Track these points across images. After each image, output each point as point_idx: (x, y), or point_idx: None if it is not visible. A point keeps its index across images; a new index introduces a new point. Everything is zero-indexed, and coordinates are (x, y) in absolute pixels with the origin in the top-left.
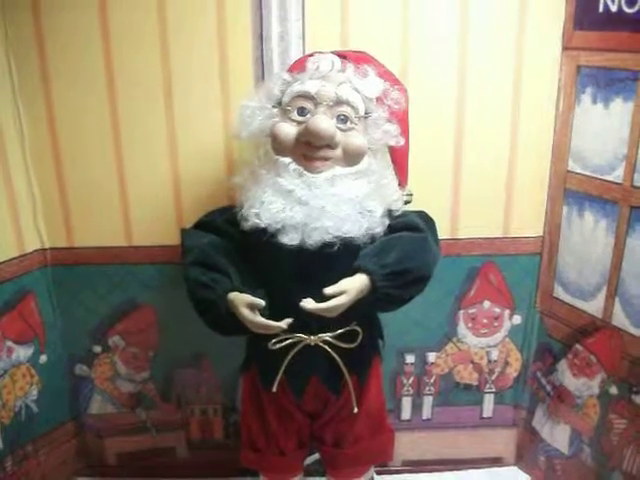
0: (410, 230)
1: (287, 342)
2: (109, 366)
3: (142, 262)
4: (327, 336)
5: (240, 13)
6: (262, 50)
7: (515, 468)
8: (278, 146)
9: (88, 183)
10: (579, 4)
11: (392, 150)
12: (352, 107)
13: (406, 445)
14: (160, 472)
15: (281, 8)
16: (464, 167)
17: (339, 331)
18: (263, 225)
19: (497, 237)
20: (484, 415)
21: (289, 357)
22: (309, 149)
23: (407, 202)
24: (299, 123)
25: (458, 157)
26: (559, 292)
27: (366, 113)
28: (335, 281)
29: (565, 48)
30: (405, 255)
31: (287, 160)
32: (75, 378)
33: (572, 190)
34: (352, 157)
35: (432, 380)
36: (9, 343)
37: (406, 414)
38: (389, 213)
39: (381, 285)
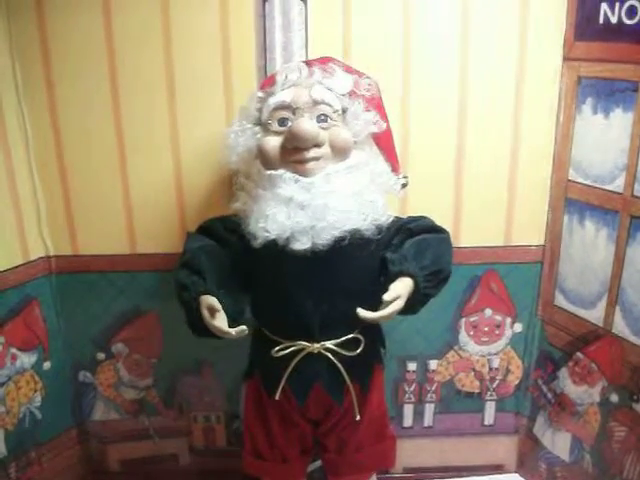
0: (432, 232)
1: (290, 350)
2: (112, 373)
3: (146, 270)
4: (330, 344)
5: (243, 22)
6: (265, 59)
7: (516, 475)
8: (267, 160)
9: (92, 190)
10: (580, 15)
11: (377, 139)
12: (329, 105)
13: (407, 452)
14: (163, 479)
15: (284, 17)
16: (465, 176)
17: (342, 339)
18: (273, 237)
19: (498, 246)
20: (485, 422)
21: (292, 365)
22: (298, 154)
23: (404, 185)
24: (282, 133)
25: (459, 166)
26: (560, 300)
27: (343, 109)
28: (346, 282)
29: (566, 59)
30: (438, 256)
31: (280, 171)
32: (79, 385)
33: (573, 199)
34: (340, 151)
35: (433, 388)
36: (13, 350)
37: (408, 421)
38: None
39: (423, 286)
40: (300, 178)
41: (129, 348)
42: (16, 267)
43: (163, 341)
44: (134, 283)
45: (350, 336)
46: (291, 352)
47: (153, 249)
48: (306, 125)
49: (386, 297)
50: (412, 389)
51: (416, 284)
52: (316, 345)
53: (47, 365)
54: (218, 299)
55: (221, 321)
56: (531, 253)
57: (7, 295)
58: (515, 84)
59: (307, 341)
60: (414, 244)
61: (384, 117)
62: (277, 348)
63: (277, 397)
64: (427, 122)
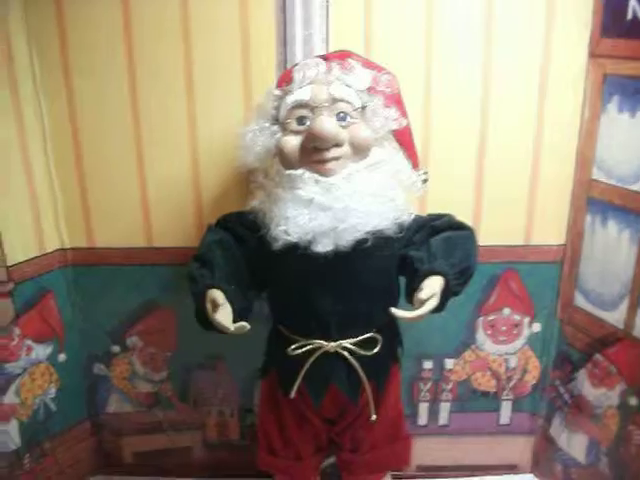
0: (457, 229)
1: (306, 348)
2: (127, 366)
3: (162, 263)
4: (347, 343)
5: (263, 16)
6: (285, 53)
7: (531, 476)
8: (286, 160)
9: (109, 182)
10: (607, 12)
11: (397, 135)
12: (348, 102)
13: (422, 450)
14: (176, 472)
15: (305, 11)
16: (486, 174)
17: (359, 338)
18: (294, 240)
19: (518, 245)
20: (501, 422)
21: (308, 363)
22: (318, 154)
23: (425, 181)
24: (301, 132)
25: (480, 164)
26: (580, 301)
27: (362, 105)
28: (365, 282)
29: (592, 56)
30: (467, 253)
31: (300, 171)
32: (93, 377)
33: (595, 199)
34: (361, 150)
35: (449, 386)
36: (28, 342)
37: (422, 420)
38: (419, 217)
39: (454, 284)
40: (320, 178)
41: (144, 341)
42: (32, 259)
43: (178, 335)
44: (149, 277)
45: (367, 335)
46: (307, 351)
47: (169, 243)
48: (326, 125)
49: (422, 296)
50: (428, 387)
51: (446, 282)
52: (333, 344)
53: (62, 357)
54: (226, 293)
55: (222, 315)
56: (551, 253)
57: (23, 287)
58: (539, 81)
59: (324, 340)
60: (442, 241)
61: (404, 113)
62: (293, 346)
63: (292, 395)
64: (448, 118)
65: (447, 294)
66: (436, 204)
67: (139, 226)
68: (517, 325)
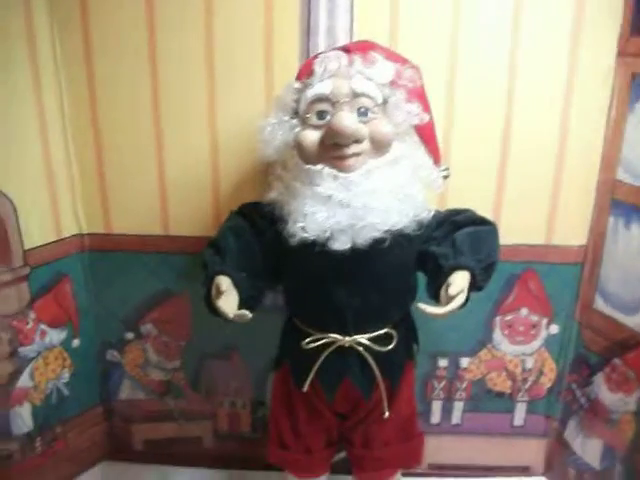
0: (479, 224)
1: (320, 342)
2: (140, 353)
3: (178, 252)
4: (362, 338)
5: (287, 4)
6: (308, 44)
7: (543, 478)
8: (305, 155)
9: (127, 170)
10: (636, 9)
11: (419, 129)
12: (369, 97)
13: (433, 449)
14: (186, 461)
15: (329, 0)
16: (509, 171)
17: (374, 333)
18: (312, 238)
19: (539, 244)
20: (515, 424)
21: (322, 357)
22: (337, 150)
23: (445, 177)
24: (321, 127)
25: (503, 161)
26: (599, 304)
27: (384, 100)
28: (382, 278)
29: (620, 54)
30: (491, 248)
31: (319, 167)
32: (106, 363)
33: (620, 200)
34: (381, 146)
35: (464, 385)
36: (43, 326)
37: (435, 418)
38: (438, 212)
39: (479, 280)
40: (339, 174)
41: (158, 329)
42: (49, 244)
43: (192, 324)
44: (165, 264)
45: (383, 331)
46: (322, 345)
47: (186, 231)
48: (346, 121)
49: (452, 292)
50: (442, 386)
51: (473, 278)
52: (348, 339)
53: (76, 342)
54: (234, 280)
55: (224, 302)
56: (572, 253)
57: (39, 271)
58: (566, 78)
59: (339, 334)
60: (467, 236)
61: (427, 108)
62: (307, 340)
63: (305, 389)
64: (472, 112)
65: (471, 290)
66: (456, 200)
67: (156, 214)
68: (535, 326)
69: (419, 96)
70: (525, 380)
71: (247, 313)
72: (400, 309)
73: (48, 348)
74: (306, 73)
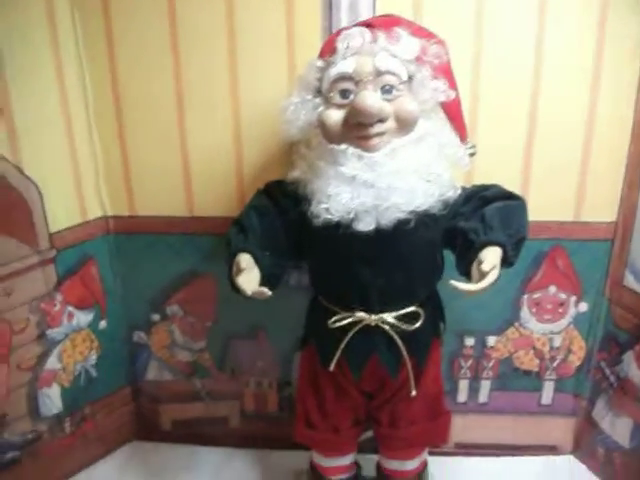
0: (508, 198)
1: (347, 321)
2: (167, 334)
3: (202, 232)
4: (388, 317)
5: None
6: (330, 20)
7: (571, 457)
8: (329, 134)
9: (150, 151)
10: None
11: (445, 106)
12: (394, 75)
13: (460, 428)
14: (213, 440)
15: None
16: (536, 147)
17: (401, 312)
18: (336, 219)
19: (567, 221)
20: (543, 402)
21: (348, 336)
22: (361, 129)
23: (472, 154)
24: (344, 106)
25: (531, 136)
26: (630, 281)
27: (409, 76)
28: (408, 256)
29: None
30: (521, 223)
31: (343, 146)
32: (133, 345)
33: None
34: (406, 125)
35: (491, 364)
36: (70, 308)
37: (462, 397)
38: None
39: (511, 255)
40: (364, 154)
41: (184, 310)
42: (75, 226)
43: (218, 305)
44: (190, 246)
45: (409, 309)
46: (348, 323)
47: (210, 212)
48: (370, 100)
49: (485, 268)
50: (469, 364)
51: (504, 253)
52: (374, 317)
53: (103, 324)
54: (256, 258)
55: (243, 278)
56: (602, 230)
57: (65, 254)
58: (595, 48)
59: (365, 313)
60: (496, 211)
61: (453, 84)
62: (334, 319)
63: (332, 368)
64: (498, 85)
65: (502, 266)
66: (483, 176)
67: (180, 195)
68: (563, 304)
69: (445, 72)
70: (553, 358)
71: (266, 290)
72: (426, 287)
73: (76, 330)
74: (329, 51)
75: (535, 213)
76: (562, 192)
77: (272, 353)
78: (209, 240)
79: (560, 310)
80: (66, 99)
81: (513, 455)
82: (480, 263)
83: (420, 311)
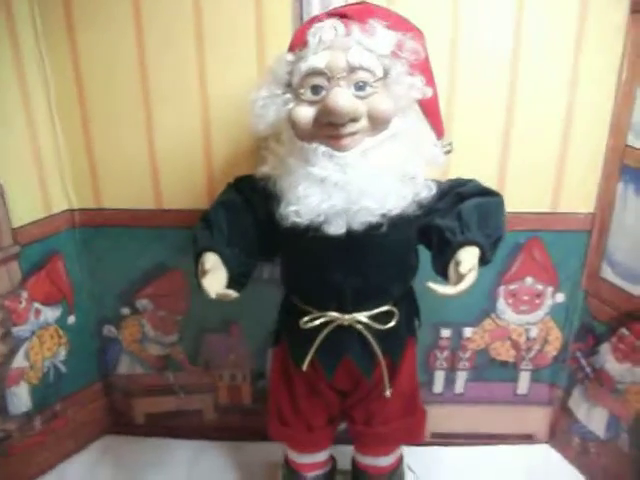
0: (485, 195)
1: (319, 321)
2: (137, 328)
3: (172, 226)
4: (361, 316)
5: None
6: (301, 6)
7: (547, 446)
8: (299, 132)
9: (116, 142)
10: None
11: (421, 102)
12: (368, 71)
13: (436, 417)
14: (187, 433)
15: None
16: (513, 136)
17: (374, 311)
18: (305, 222)
19: (545, 212)
20: (518, 392)
21: (321, 337)
22: (333, 129)
23: (448, 152)
24: (316, 103)
25: (508, 124)
26: (607, 273)
27: (384, 71)
28: (380, 256)
29: (633, 11)
30: (499, 221)
31: (313, 145)
32: (103, 339)
33: (629, 166)
34: (380, 124)
35: (467, 355)
36: (37, 305)
37: (438, 388)
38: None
39: (489, 255)
40: (335, 153)
41: (154, 304)
42: (39, 221)
43: (189, 298)
44: (159, 239)
45: (384, 309)
46: (321, 323)
47: (178, 205)
48: (342, 100)
49: (463, 270)
50: (444, 356)
51: (482, 253)
52: (347, 317)
53: (71, 319)
54: (223, 257)
55: (208, 281)
56: (579, 221)
57: (30, 249)
58: (574, 36)
59: (338, 312)
60: (474, 209)
61: (430, 80)
62: (306, 319)
63: (305, 369)
64: (475, 74)
65: (480, 264)
66: (459, 166)
67: (148, 187)
68: (539, 295)
69: (422, 68)
70: (529, 349)
71: (230, 293)
72: (401, 286)
73: (43, 327)
74: (299, 43)
75: (512, 204)
76: (539, 183)
77: (245, 346)
78: (178, 233)
79: (537, 301)
80: (26, 92)
81: (489, 444)
82: (458, 264)
83: (394, 310)
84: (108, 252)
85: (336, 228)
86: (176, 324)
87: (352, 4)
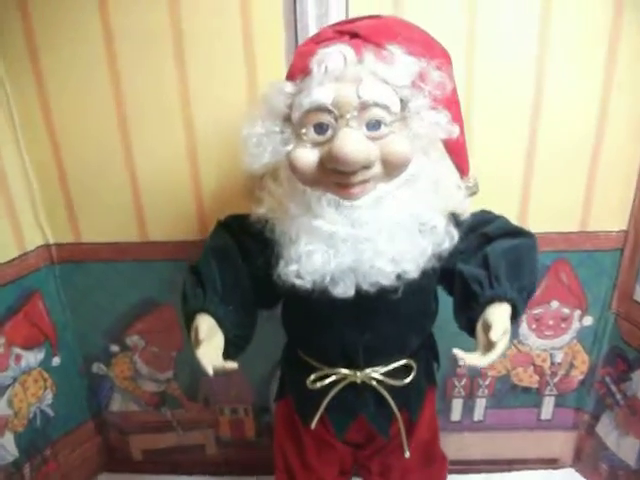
0: (515, 236)
1: (329, 380)
2: (128, 365)
3: (159, 259)
4: (375, 373)
5: None
6: (295, 11)
7: (572, 470)
8: (301, 178)
9: (93, 170)
10: None
11: (444, 139)
12: (383, 107)
13: (454, 445)
14: (188, 469)
15: None
16: (539, 149)
17: (390, 367)
18: (307, 285)
19: (572, 232)
20: (542, 417)
21: (330, 395)
22: (341, 177)
23: (473, 193)
24: (321, 144)
25: (533, 138)
26: None
27: (403, 104)
28: (395, 310)
29: None
30: (532, 269)
31: (318, 192)
32: (93, 377)
33: None
34: (395, 169)
35: (487, 382)
36: (17, 350)
37: (455, 416)
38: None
39: (521, 309)
40: (343, 202)
41: (145, 340)
42: (12, 260)
43: (183, 333)
44: (146, 273)
45: (400, 363)
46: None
47: (166, 236)
48: (352, 146)
49: (494, 337)
50: (462, 384)
51: (514, 309)
52: (359, 374)
53: (56, 360)
54: (217, 318)
55: (204, 352)
56: (610, 240)
57: (5, 291)
58: (607, 46)
59: (349, 369)
60: (502, 256)
61: (457, 115)
62: (313, 377)
63: (313, 427)
64: (497, 83)
65: (511, 323)
66: (480, 184)
67: (130, 219)
68: (566, 319)
69: (449, 101)
70: (554, 374)
71: (229, 366)
72: (419, 336)
73: (25, 372)
74: (300, 71)
75: (537, 224)
76: (567, 200)
77: (246, 380)
78: (167, 266)
79: (563, 325)
80: None
81: (510, 470)
82: (487, 327)
83: (412, 363)
84: (91, 289)
85: (344, 290)
86: (171, 360)
87: (366, 18)
